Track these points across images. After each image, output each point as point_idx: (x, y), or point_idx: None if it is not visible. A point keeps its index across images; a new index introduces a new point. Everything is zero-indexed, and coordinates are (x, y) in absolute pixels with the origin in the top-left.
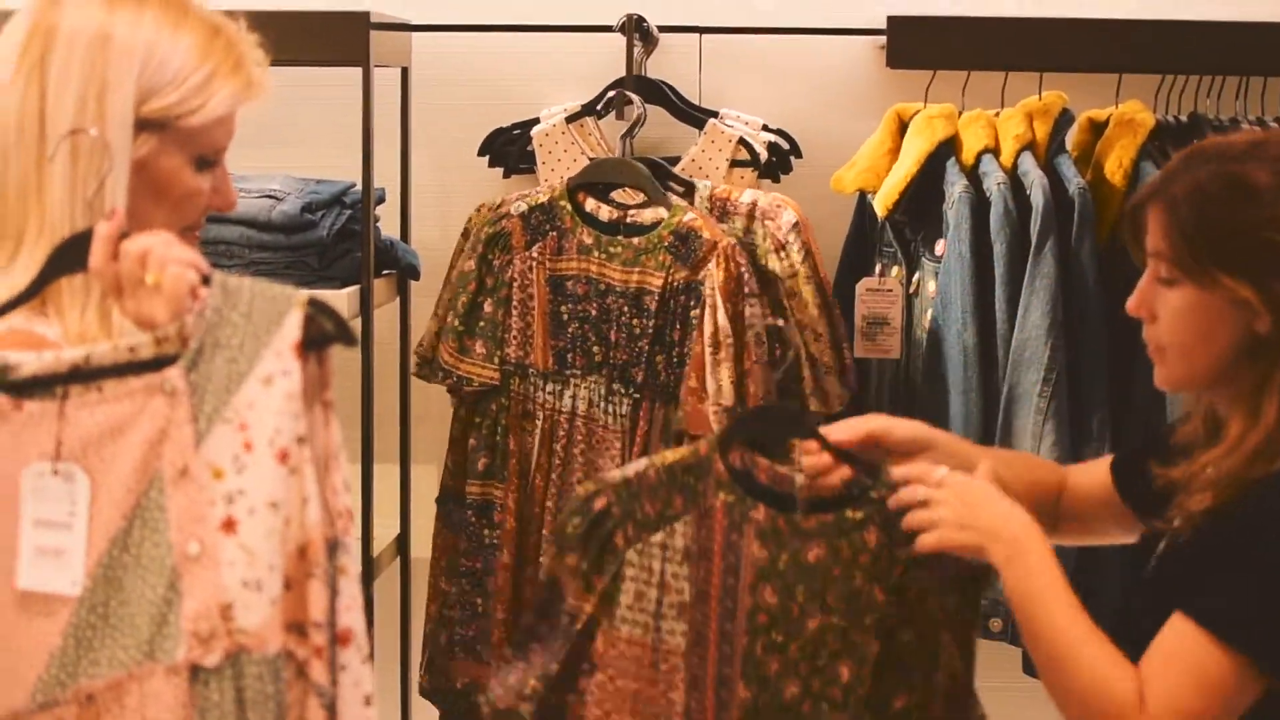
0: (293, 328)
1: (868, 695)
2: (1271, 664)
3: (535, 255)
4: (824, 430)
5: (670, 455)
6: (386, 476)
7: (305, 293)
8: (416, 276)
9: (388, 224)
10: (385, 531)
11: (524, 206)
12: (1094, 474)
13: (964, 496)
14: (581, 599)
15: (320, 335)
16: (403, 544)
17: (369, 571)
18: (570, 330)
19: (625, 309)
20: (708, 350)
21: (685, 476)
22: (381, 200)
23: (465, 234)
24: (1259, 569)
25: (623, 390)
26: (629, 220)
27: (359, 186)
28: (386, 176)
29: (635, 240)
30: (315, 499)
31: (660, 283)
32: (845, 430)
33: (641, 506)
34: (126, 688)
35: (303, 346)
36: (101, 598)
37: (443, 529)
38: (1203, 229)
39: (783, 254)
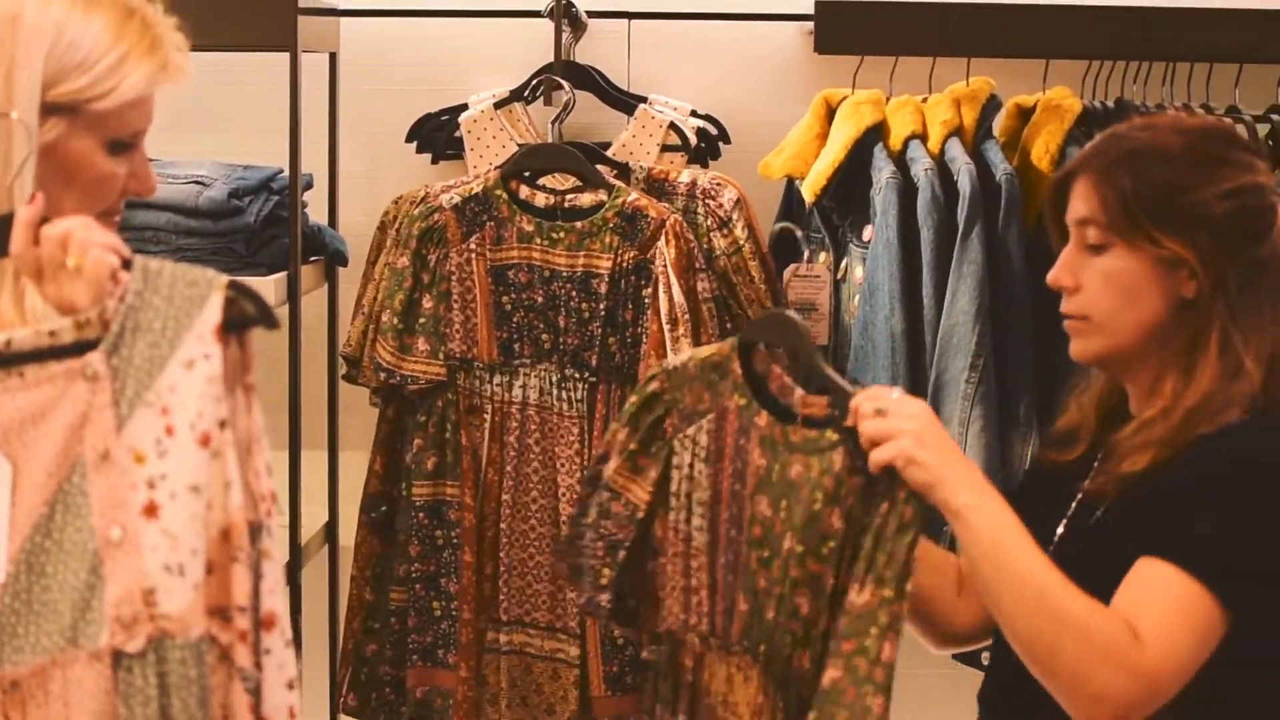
0: (214, 311)
1: (825, 632)
2: (1238, 603)
3: (473, 247)
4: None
5: (704, 351)
6: (315, 463)
7: (226, 276)
8: (344, 263)
9: (316, 210)
10: (313, 519)
11: (456, 199)
12: None
13: (924, 417)
14: (632, 481)
15: (241, 318)
16: (331, 531)
17: (297, 559)
18: (515, 320)
19: (573, 294)
20: (665, 328)
21: (712, 374)
22: (309, 186)
23: (382, 226)
24: (1226, 510)
25: (577, 376)
26: (567, 205)
27: (286, 172)
28: (315, 162)
29: (578, 224)
30: (238, 483)
31: (609, 264)
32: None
33: (684, 397)
34: (50, 674)
35: (224, 329)
36: (24, 584)
37: (368, 537)
38: (1139, 190)
39: (726, 231)
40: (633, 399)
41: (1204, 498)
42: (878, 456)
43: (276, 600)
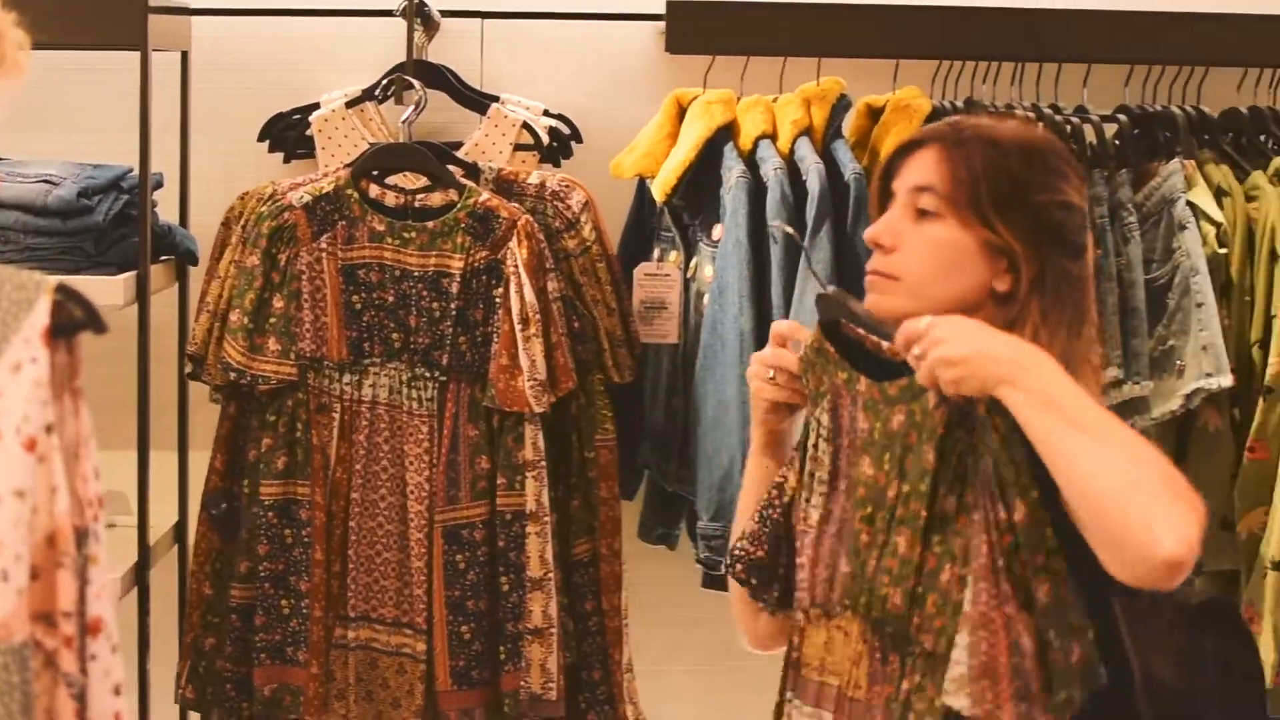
0: (41, 314)
1: (919, 567)
2: None
3: (324, 246)
4: None
5: (810, 338)
6: (165, 463)
7: (55, 279)
8: (195, 262)
9: (167, 209)
10: (163, 519)
11: (307, 197)
12: None
13: (945, 328)
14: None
15: (69, 322)
16: (180, 531)
17: (145, 559)
18: (365, 319)
19: (424, 293)
20: (517, 327)
21: (818, 358)
22: (159, 185)
23: (227, 223)
24: None
25: (427, 374)
26: (418, 204)
27: (136, 171)
28: (166, 162)
29: (429, 224)
30: (64, 487)
31: (460, 264)
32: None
33: (810, 381)
34: None
35: (51, 333)
36: None
37: (208, 533)
38: (989, 174)
39: (574, 232)
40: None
41: None
42: (922, 383)
43: (103, 606)
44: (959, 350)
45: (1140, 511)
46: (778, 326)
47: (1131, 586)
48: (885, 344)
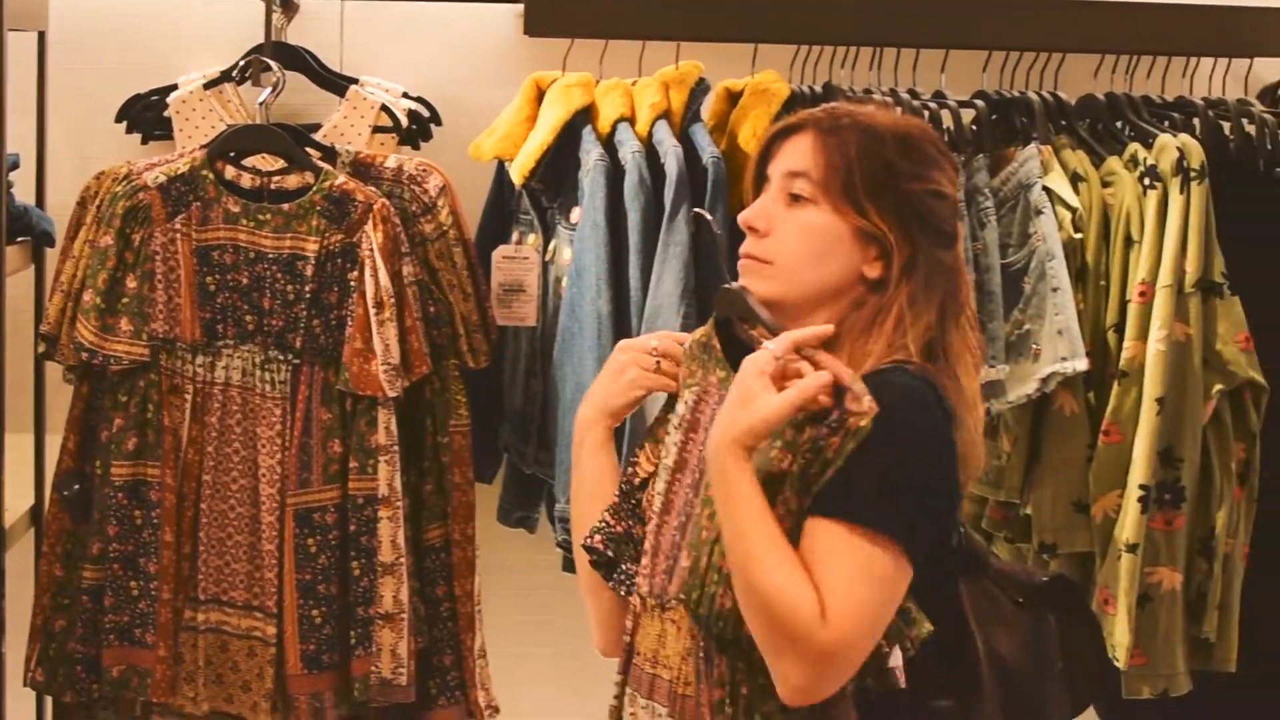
0: None
1: None
2: (910, 543)
3: (179, 227)
4: None
5: (701, 330)
6: (21, 446)
7: None
8: (51, 243)
9: (23, 190)
10: (20, 502)
11: (162, 178)
12: None
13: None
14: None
15: None
16: (37, 514)
17: (0, 542)
18: (219, 300)
19: (279, 276)
20: (371, 311)
21: (703, 353)
22: (15, 166)
23: (82, 203)
24: (881, 460)
25: (280, 357)
26: (273, 187)
27: None
28: (22, 142)
29: (284, 206)
30: None
31: (315, 247)
32: None
33: (683, 373)
34: None
35: None
36: None
37: (59, 514)
38: (864, 161)
39: (430, 216)
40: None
41: (862, 454)
42: None
43: None
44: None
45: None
46: (658, 342)
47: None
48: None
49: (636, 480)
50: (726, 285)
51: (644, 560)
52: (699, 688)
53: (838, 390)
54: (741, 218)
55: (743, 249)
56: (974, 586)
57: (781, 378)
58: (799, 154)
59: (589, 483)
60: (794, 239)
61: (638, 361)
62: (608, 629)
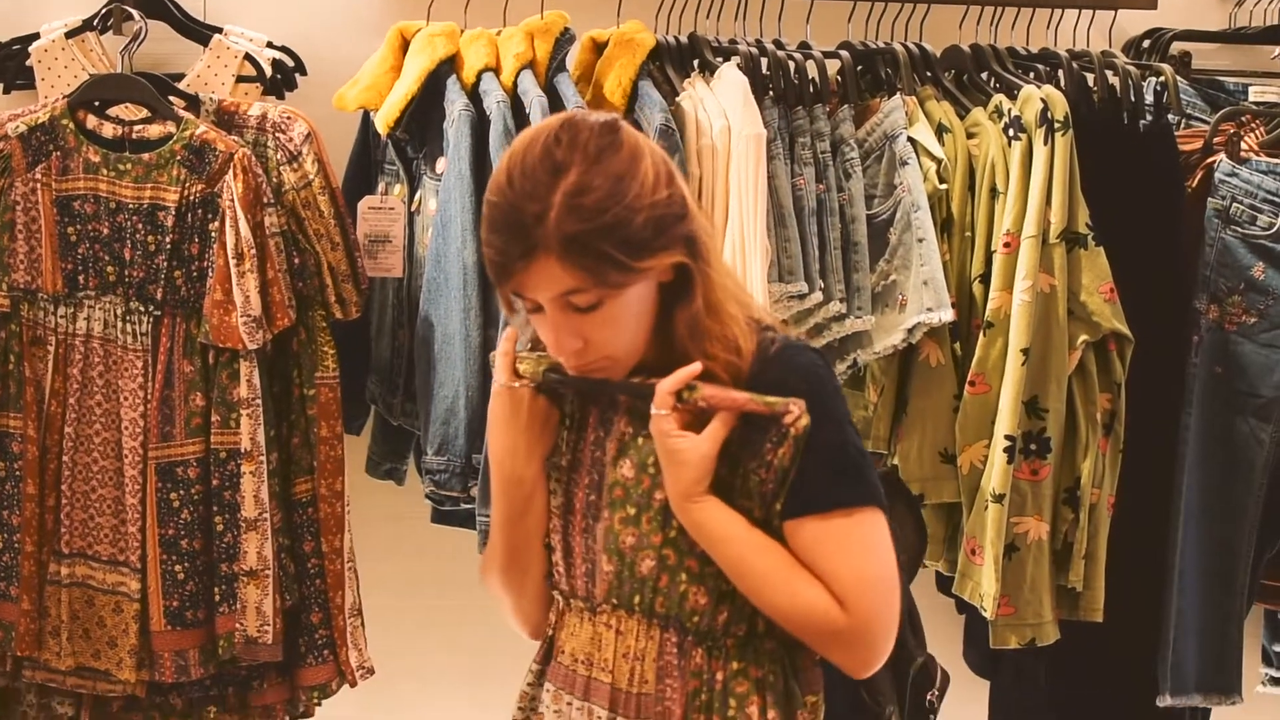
0: None
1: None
2: (879, 498)
3: (39, 177)
4: None
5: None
6: None
7: None
8: None
9: None
10: None
11: (22, 127)
12: None
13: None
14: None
15: None
16: None
17: None
18: (80, 251)
19: (140, 226)
20: (232, 262)
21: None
22: None
23: None
24: (825, 442)
25: (142, 309)
26: (135, 136)
27: None
28: None
29: (145, 156)
30: None
31: (175, 198)
32: None
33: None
34: None
35: None
36: None
37: None
38: (605, 244)
39: (295, 165)
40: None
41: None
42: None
43: None
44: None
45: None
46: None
47: None
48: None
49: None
50: (563, 379)
51: (556, 557)
52: (665, 685)
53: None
54: (560, 350)
55: (577, 365)
56: None
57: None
58: (554, 280)
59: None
60: (613, 334)
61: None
62: (532, 620)
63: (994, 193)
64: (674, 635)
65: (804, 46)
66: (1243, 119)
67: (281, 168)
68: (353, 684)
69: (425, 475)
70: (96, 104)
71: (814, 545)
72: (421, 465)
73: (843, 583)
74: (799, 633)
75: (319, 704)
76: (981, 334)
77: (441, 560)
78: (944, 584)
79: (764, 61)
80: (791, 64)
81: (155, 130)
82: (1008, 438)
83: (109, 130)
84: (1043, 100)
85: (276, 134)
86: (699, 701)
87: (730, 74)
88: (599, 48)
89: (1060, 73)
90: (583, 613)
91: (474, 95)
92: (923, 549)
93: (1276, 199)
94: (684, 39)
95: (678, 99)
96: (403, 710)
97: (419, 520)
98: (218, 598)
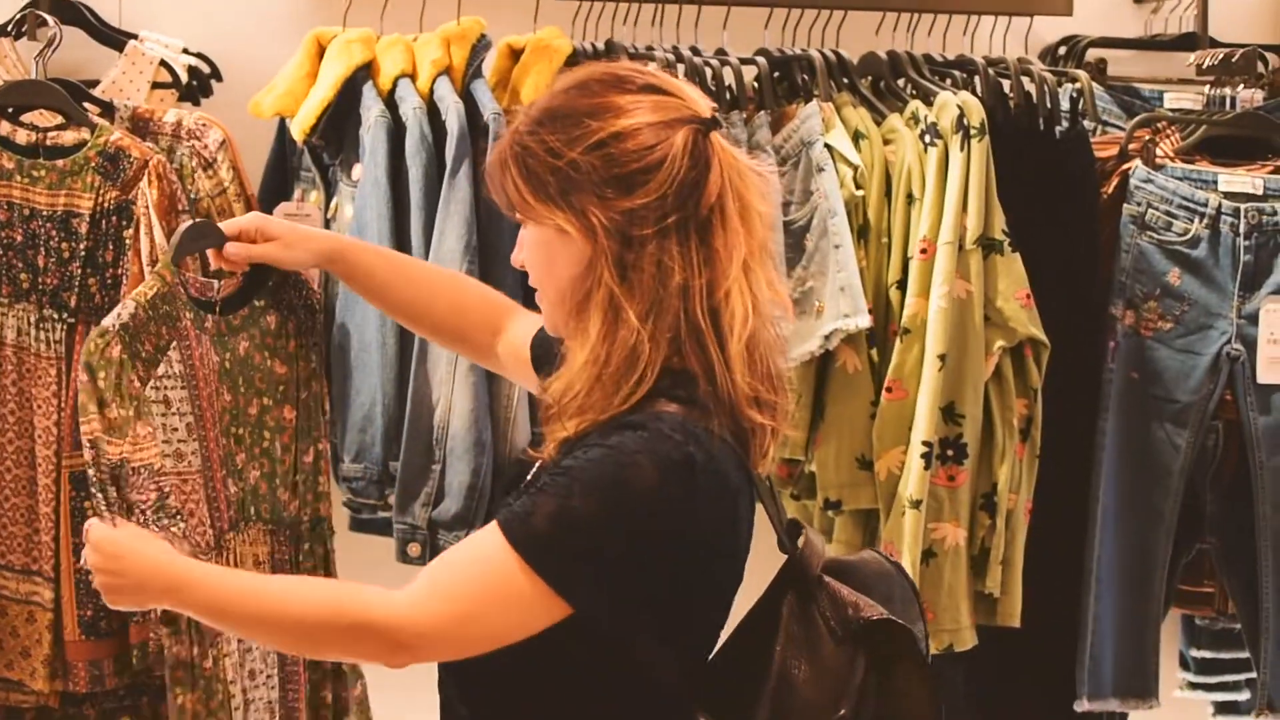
0: None
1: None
2: (564, 587)
3: None
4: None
5: (146, 288)
6: None
7: None
8: None
9: None
10: None
11: None
12: (526, 332)
13: (112, 552)
14: (136, 448)
15: None
16: None
17: None
18: None
19: (53, 233)
20: (146, 269)
21: (164, 306)
22: None
23: None
24: (565, 500)
25: (55, 316)
26: (49, 143)
27: None
28: None
29: (59, 163)
30: None
31: (90, 204)
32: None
33: (143, 345)
34: None
35: None
36: None
37: None
38: (521, 176)
39: (210, 172)
40: (102, 375)
41: (559, 480)
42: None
43: None
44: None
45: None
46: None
47: None
48: (216, 283)
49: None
50: (194, 221)
51: (209, 508)
52: None
53: None
54: (513, 259)
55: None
56: (800, 607)
57: None
58: (497, 192)
59: None
60: (530, 261)
61: None
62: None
63: (910, 199)
64: (277, 535)
65: (720, 53)
66: (1158, 125)
67: (196, 174)
68: None
69: (342, 482)
70: (10, 110)
71: None
72: (338, 473)
73: (430, 577)
74: (343, 642)
75: None
76: (898, 340)
77: (362, 570)
78: None
79: (680, 68)
80: (708, 70)
81: (69, 137)
82: (925, 444)
83: (22, 136)
84: (959, 107)
85: (191, 140)
86: None
87: None
88: (516, 54)
89: (977, 79)
90: (213, 552)
91: (390, 102)
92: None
93: (1191, 205)
94: (601, 45)
95: None
96: None
97: (338, 528)
98: None
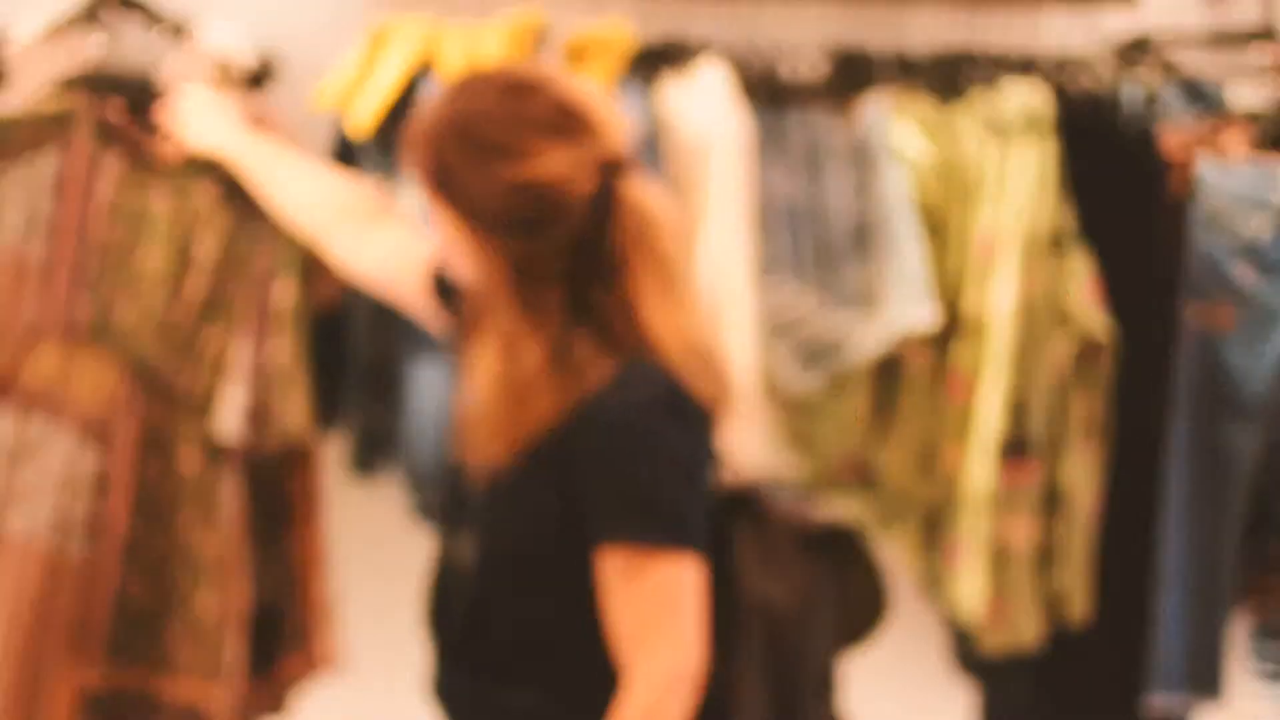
0: None
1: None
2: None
3: None
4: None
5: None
6: None
7: None
8: None
9: None
10: None
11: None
12: (417, 256)
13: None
14: None
15: None
16: None
17: None
18: None
19: None
20: None
21: (54, 126)
22: None
23: None
24: (645, 469)
25: None
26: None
27: None
28: None
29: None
30: None
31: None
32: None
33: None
34: None
35: None
36: None
37: None
38: (432, 165)
39: None
40: None
41: (624, 465)
42: None
43: None
44: None
45: None
46: None
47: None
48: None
49: None
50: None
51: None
52: None
53: None
54: None
55: None
56: (753, 535)
57: None
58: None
59: None
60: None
61: None
62: None
63: (977, 195)
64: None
65: (782, 46)
66: (1225, 121)
67: None
68: None
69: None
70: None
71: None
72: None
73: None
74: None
75: None
76: (966, 338)
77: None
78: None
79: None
80: (769, 63)
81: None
82: (992, 442)
83: None
84: (1027, 102)
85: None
86: None
87: (709, 72)
88: (578, 51)
89: (1044, 75)
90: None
91: None
92: (876, 612)
93: (1257, 201)
94: (663, 38)
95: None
96: None
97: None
98: None
